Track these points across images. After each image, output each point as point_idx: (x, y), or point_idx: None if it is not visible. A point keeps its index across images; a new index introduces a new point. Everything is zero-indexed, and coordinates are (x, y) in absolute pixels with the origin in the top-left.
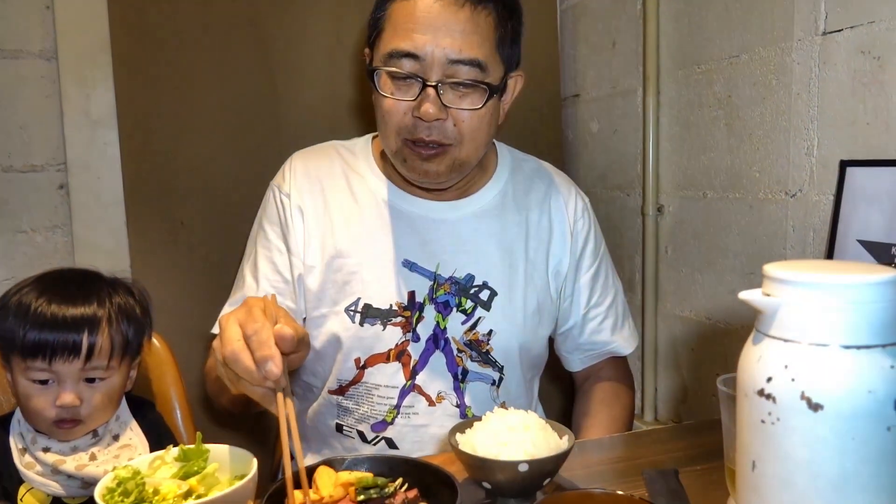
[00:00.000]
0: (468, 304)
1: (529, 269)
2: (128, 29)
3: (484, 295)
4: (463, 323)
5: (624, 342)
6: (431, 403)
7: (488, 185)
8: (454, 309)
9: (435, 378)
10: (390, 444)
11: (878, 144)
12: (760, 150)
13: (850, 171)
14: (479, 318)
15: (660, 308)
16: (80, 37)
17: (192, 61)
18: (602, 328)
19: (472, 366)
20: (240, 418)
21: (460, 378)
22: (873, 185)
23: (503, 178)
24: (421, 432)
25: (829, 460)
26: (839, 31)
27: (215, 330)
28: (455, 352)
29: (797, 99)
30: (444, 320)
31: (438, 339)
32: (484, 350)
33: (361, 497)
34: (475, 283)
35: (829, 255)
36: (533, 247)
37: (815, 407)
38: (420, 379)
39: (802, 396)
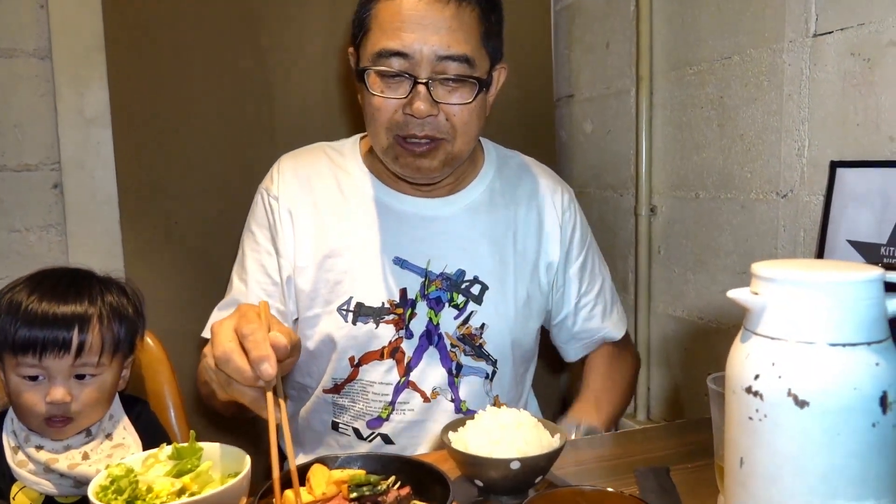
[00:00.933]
0: (460, 299)
1: (519, 262)
2: (122, 28)
3: (475, 289)
4: (455, 318)
5: (614, 327)
6: (426, 399)
7: (476, 181)
8: (446, 304)
9: (429, 374)
10: (386, 439)
11: (867, 145)
12: (752, 150)
13: (840, 171)
14: (472, 312)
15: (652, 307)
16: (75, 36)
17: (186, 60)
18: (593, 315)
19: (465, 360)
20: (232, 421)
21: (454, 373)
22: (863, 186)
23: (490, 174)
24: (416, 428)
25: (815, 456)
26: (830, 32)
27: (206, 334)
28: (448, 347)
29: (788, 100)
30: (436, 316)
31: (432, 335)
32: (477, 344)
33: (354, 494)
34: (466, 278)
35: (820, 254)
36: (522, 241)
37: (802, 403)
38: (414, 375)
39: (789, 393)
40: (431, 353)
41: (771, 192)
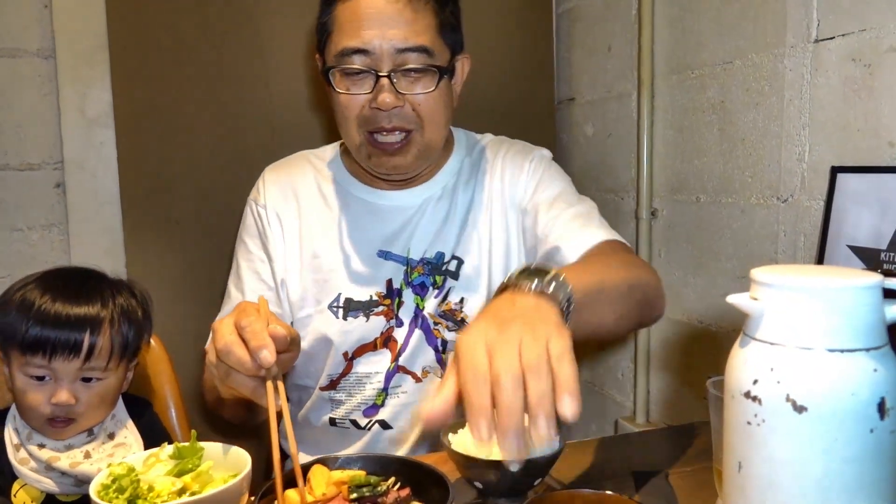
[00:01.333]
0: (441, 280)
1: (493, 231)
2: (125, 29)
3: (452, 265)
4: (436, 297)
5: (607, 234)
6: (418, 380)
7: (446, 167)
8: (430, 288)
9: (418, 355)
10: (384, 425)
11: (868, 151)
12: (753, 155)
13: (840, 177)
14: (450, 288)
15: None
16: (78, 36)
17: (188, 61)
18: (573, 224)
19: (449, 336)
20: (240, 429)
21: (441, 350)
22: (863, 191)
23: (460, 157)
24: (411, 410)
25: (812, 461)
26: (831, 38)
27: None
28: (432, 325)
29: (789, 105)
30: (422, 301)
31: (418, 319)
32: (459, 318)
33: (354, 495)
34: (446, 260)
35: (820, 259)
36: (491, 211)
37: (800, 409)
38: (403, 359)
39: (787, 398)
40: (418, 336)
41: (771, 197)
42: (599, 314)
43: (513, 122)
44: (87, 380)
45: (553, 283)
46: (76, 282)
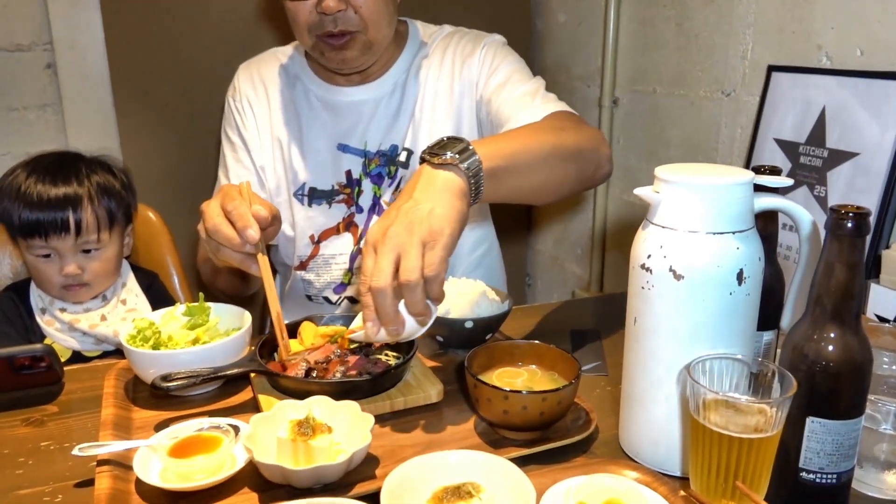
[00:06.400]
0: (394, 170)
1: (441, 119)
2: None
3: (403, 156)
4: (390, 186)
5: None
6: None
7: (399, 61)
8: (386, 178)
9: None
10: (352, 300)
11: (800, 52)
12: (703, 50)
13: (774, 75)
14: (401, 178)
15: (609, 193)
16: None
17: None
18: (525, 98)
19: None
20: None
21: None
22: (791, 90)
23: (413, 51)
24: None
25: (686, 316)
26: None
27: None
28: None
29: (738, 4)
30: (380, 190)
31: (376, 207)
32: None
33: (354, 346)
34: (398, 152)
35: (750, 151)
36: (441, 100)
37: (679, 277)
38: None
39: (670, 269)
40: (375, 221)
41: (717, 91)
42: (519, 178)
43: (489, 9)
44: (86, 251)
45: (459, 155)
46: (54, 165)
